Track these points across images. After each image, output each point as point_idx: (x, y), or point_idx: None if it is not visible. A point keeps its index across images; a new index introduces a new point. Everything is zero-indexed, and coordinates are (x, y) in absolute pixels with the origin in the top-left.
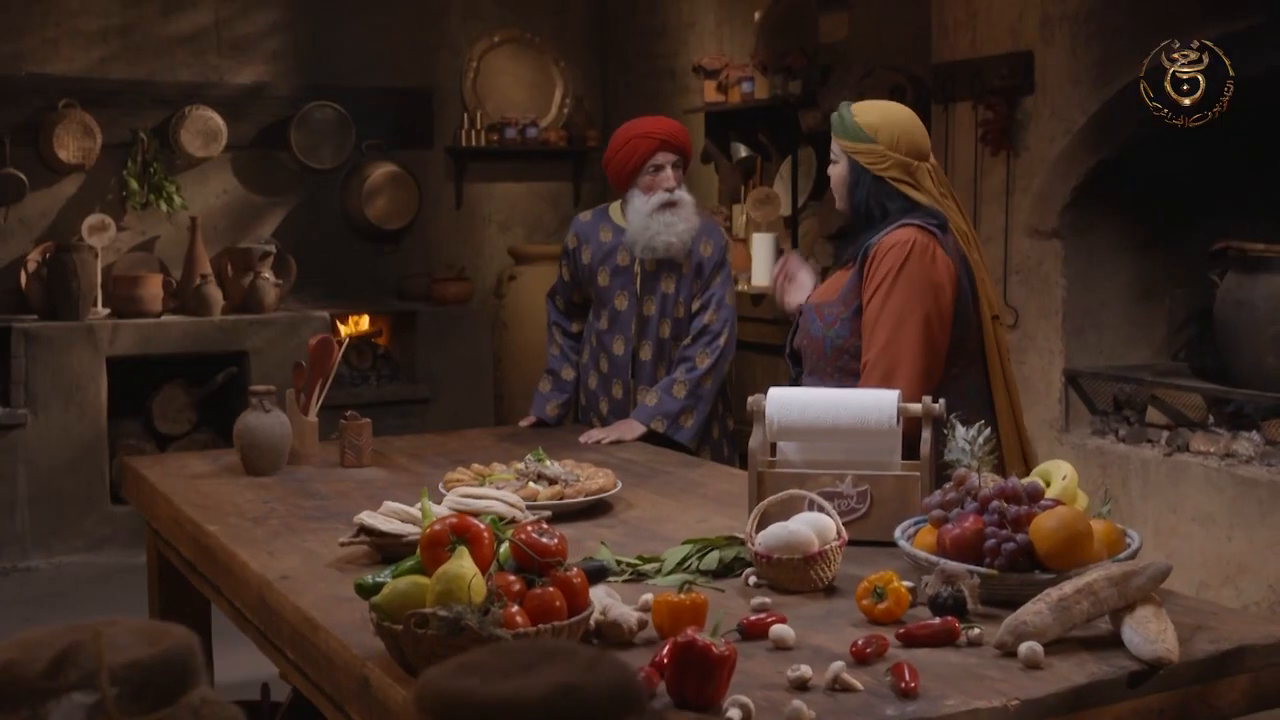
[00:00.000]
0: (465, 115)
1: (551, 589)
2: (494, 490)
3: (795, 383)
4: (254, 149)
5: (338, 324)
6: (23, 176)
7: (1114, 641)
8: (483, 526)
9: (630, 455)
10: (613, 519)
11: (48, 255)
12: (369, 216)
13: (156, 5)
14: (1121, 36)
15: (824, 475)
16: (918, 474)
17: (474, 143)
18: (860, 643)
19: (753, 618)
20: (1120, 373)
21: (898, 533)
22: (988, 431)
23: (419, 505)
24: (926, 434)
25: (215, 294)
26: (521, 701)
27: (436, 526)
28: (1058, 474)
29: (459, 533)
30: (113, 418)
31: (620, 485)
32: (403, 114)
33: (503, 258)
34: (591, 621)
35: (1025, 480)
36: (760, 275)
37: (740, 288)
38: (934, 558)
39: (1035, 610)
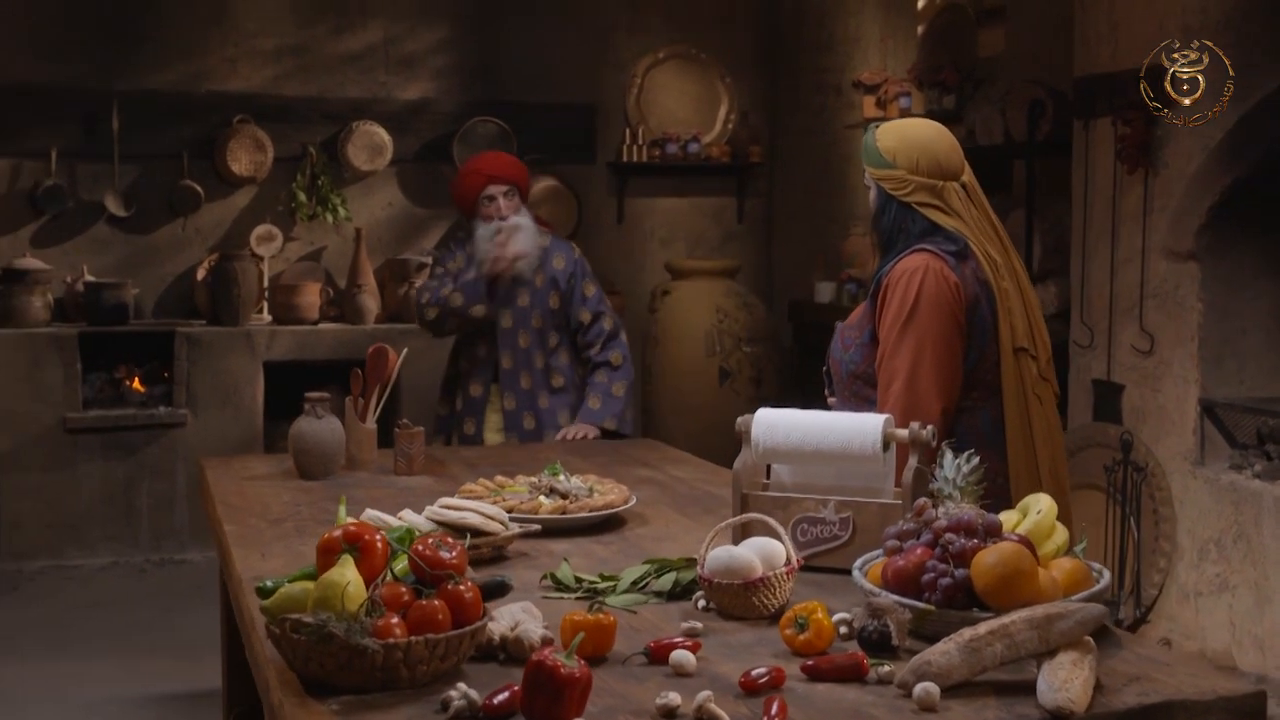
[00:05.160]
0: (628, 130)
1: (437, 602)
2: (473, 502)
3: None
4: (418, 163)
5: None
6: (199, 189)
7: (1033, 688)
8: (378, 537)
9: (682, 474)
10: (615, 535)
11: (213, 264)
12: None
13: (329, 25)
14: (1259, 48)
15: (808, 500)
16: (900, 502)
17: (636, 158)
18: (754, 673)
19: (662, 641)
20: (1261, 404)
21: (858, 562)
22: (975, 462)
23: (399, 514)
24: (911, 461)
25: (369, 303)
26: None
27: (334, 533)
28: (1034, 508)
29: (351, 541)
30: (268, 419)
31: (634, 501)
32: (565, 129)
33: (664, 272)
34: (498, 637)
35: (1011, 513)
36: None
37: None
38: (877, 590)
39: (943, 650)
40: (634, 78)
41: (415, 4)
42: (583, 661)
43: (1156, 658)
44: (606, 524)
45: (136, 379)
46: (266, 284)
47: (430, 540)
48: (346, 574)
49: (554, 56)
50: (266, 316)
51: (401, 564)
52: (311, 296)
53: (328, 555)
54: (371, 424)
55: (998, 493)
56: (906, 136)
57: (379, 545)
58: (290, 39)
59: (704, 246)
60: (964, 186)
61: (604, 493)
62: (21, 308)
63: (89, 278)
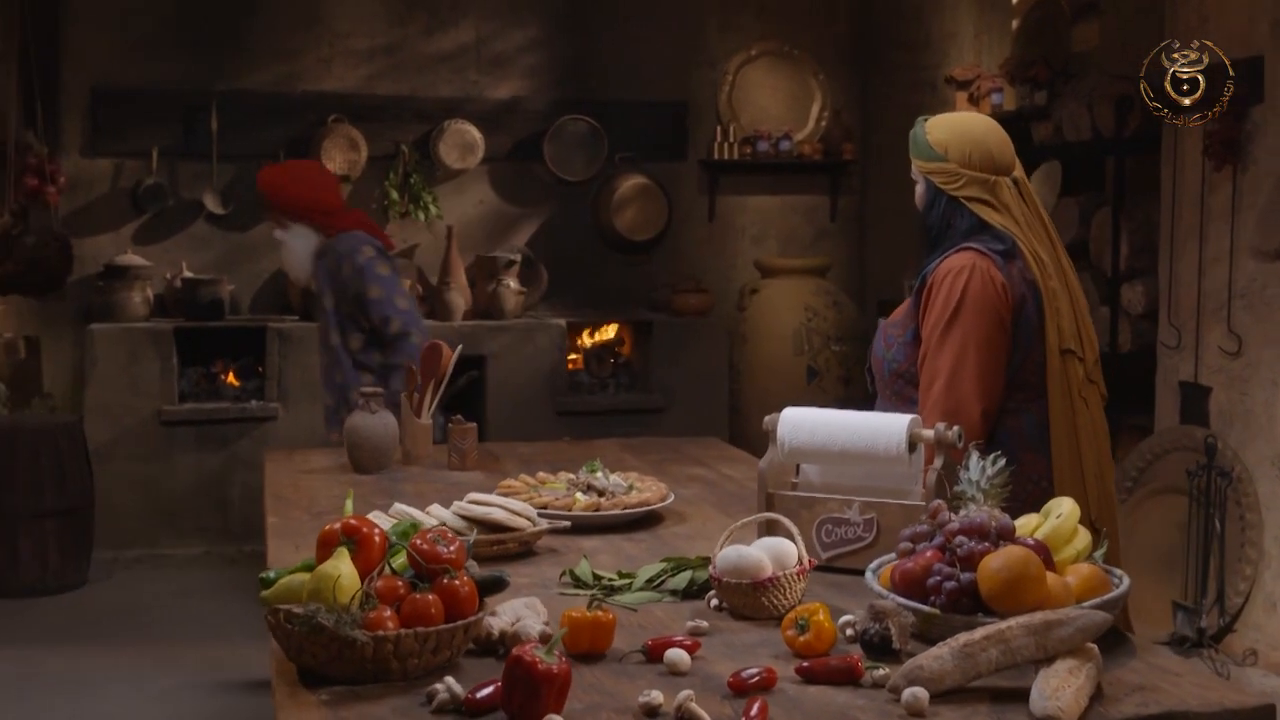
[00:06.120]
0: (719, 128)
1: (431, 596)
2: (501, 498)
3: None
4: (509, 161)
5: (583, 333)
6: None
7: (1028, 696)
8: (376, 530)
9: (733, 473)
10: (647, 533)
11: None
12: (617, 228)
13: (422, 24)
14: None
15: (832, 500)
16: (924, 504)
17: (727, 156)
18: (744, 674)
19: (661, 639)
20: None
21: (873, 564)
22: (1001, 464)
23: (429, 509)
24: (936, 463)
25: (457, 300)
26: None
27: (334, 526)
28: (1055, 511)
29: (349, 535)
30: None
31: (671, 499)
32: (656, 127)
33: (754, 271)
34: (497, 631)
35: (1032, 516)
36: None
37: None
38: (885, 592)
39: (936, 655)
40: (726, 75)
41: (506, 3)
42: (564, 658)
43: (1167, 668)
44: (642, 521)
45: (231, 373)
46: None
47: (429, 535)
48: (340, 566)
49: (645, 54)
50: None
51: (400, 558)
52: None
53: (326, 548)
54: (427, 419)
55: (1041, 496)
56: (958, 129)
57: (376, 539)
58: (383, 39)
59: (796, 245)
60: (1015, 182)
61: (642, 490)
62: (122, 303)
63: (187, 274)
